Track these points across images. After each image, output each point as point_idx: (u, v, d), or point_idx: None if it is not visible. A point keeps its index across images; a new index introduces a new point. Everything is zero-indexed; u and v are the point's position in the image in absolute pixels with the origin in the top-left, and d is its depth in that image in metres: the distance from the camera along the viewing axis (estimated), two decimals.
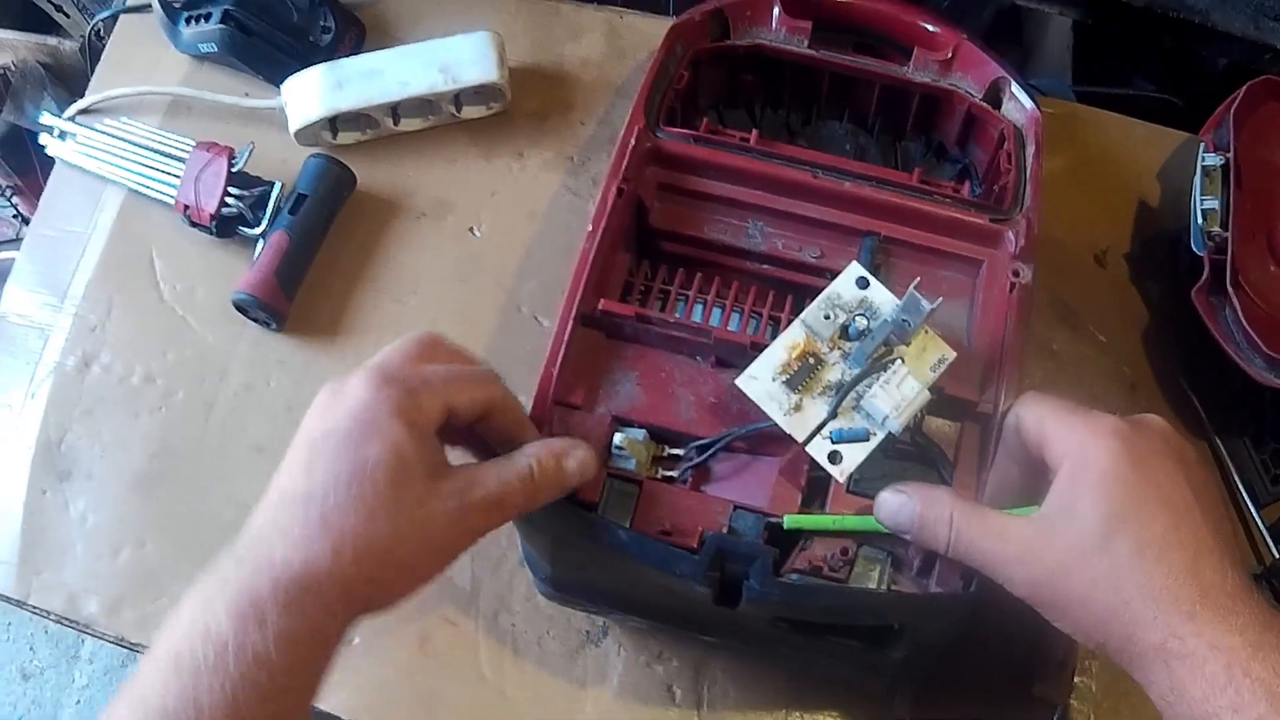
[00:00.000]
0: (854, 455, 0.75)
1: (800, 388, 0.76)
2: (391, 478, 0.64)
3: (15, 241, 1.63)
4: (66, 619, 0.99)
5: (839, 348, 0.77)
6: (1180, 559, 0.63)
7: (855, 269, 0.79)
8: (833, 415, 0.75)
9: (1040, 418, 0.70)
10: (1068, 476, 0.67)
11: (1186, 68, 1.37)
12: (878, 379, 0.75)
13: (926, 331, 0.76)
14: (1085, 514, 0.65)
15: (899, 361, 0.75)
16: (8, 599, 1.01)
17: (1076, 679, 0.92)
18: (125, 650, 1.00)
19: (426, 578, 0.68)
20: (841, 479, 0.75)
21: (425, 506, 0.66)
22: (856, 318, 0.77)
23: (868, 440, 0.75)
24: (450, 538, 0.68)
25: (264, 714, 0.59)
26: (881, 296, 0.78)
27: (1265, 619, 0.62)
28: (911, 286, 0.74)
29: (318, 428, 0.66)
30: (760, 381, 0.76)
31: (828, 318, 0.77)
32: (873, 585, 0.77)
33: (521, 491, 0.70)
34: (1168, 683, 0.62)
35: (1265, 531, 0.97)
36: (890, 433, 0.75)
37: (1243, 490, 0.98)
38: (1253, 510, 0.98)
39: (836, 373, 0.77)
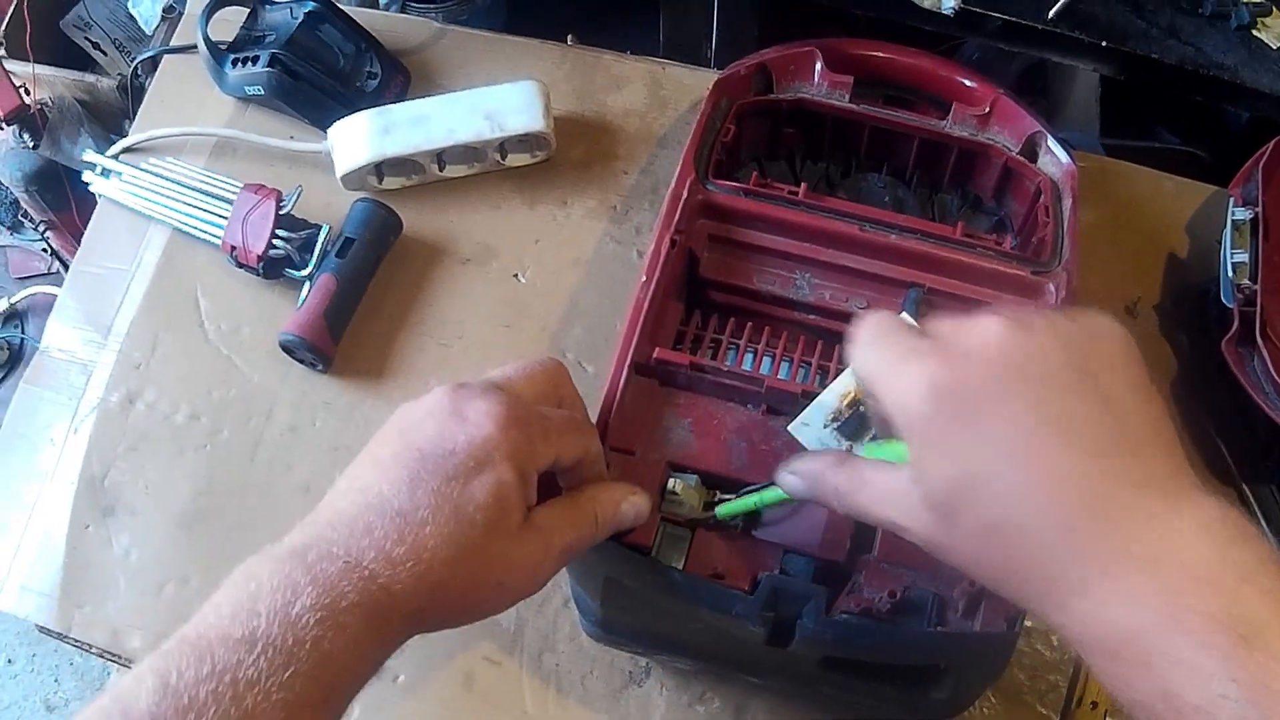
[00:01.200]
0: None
1: (852, 435, 0.77)
2: (490, 523, 0.65)
3: (47, 276, 1.66)
4: (109, 653, 1.00)
5: None
6: (1033, 516, 0.54)
7: (903, 319, 0.80)
8: None
9: (864, 372, 0.64)
10: (906, 442, 0.60)
11: (1209, 121, 1.39)
12: None
13: None
14: (925, 481, 0.59)
15: None
16: (49, 632, 1.01)
17: None
18: None
19: (488, 614, 0.70)
20: None
21: (509, 556, 0.66)
22: None
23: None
24: (522, 585, 0.69)
25: (320, 709, 0.59)
26: None
27: (1190, 554, 0.52)
28: None
29: (433, 444, 0.65)
30: (812, 428, 0.77)
31: None
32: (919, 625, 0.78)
33: (587, 539, 0.72)
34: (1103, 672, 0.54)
35: None
36: None
37: (1270, 536, 1.00)
38: None
39: None
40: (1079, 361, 0.57)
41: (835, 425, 0.77)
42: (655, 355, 0.84)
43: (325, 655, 0.59)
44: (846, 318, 0.89)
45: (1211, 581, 0.50)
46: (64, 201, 1.53)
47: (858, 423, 0.77)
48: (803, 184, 0.92)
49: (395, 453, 0.66)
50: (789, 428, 0.78)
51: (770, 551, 0.81)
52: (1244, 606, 0.49)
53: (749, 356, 0.88)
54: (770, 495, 0.76)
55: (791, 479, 0.71)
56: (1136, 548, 0.52)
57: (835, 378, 0.79)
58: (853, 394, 0.78)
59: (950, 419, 0.57)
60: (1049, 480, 0.54)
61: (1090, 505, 0.54)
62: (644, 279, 0.86)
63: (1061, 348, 0.58)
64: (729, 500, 0.79)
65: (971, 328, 0.59)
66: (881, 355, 0.62)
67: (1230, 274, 0.98)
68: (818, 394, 0.79)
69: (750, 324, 0.90)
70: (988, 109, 0.99)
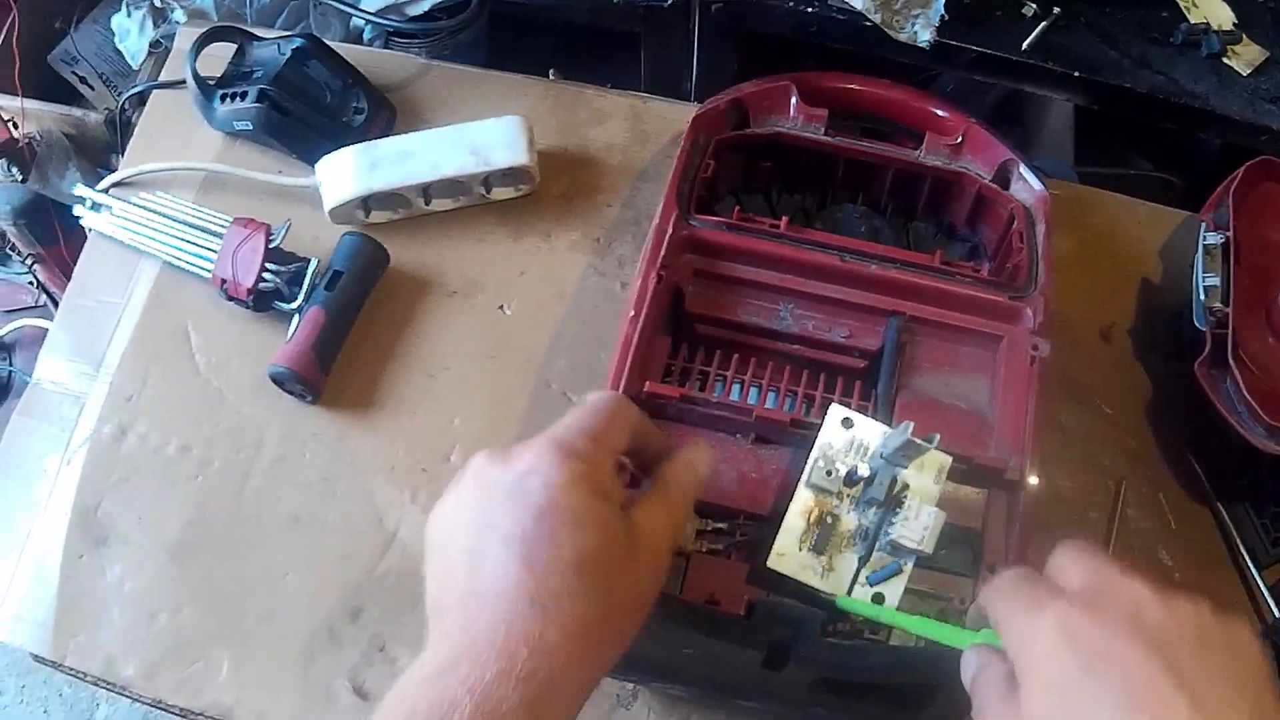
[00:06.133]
0: (894, 589, 0.77)
1: (826, 548, 0.79)
2: (611, 559, 0.65)
3: (35, 309, 1.66)
4: (104, 681, 1.00)
5: (848, 497, 0.80)
6: None
7: (836, 411, 0.81)
8: (864, 564, 0.78)
9: (991, 608, 0.64)
10: (1021, 680, 0.60)
11: (1182, 147, 1.41)
12: (895, 516, 0.78)
13: (929, 450, 0.78)
14: (1034, 696, 0.58)
15: (908, 492, 0.79)
16: (44, 660, 1.02)
17: None
18: (147, 710, 1.01)
19: (638, 632, 0.68)
20: None
21: (637, 577, 0.67)
22: (857, 465, 0.79)
23: (902, 571, 0.78)
24: (656, 591, 0.69)
25: None
26: (868, 430, 0.81)
27: None
28: (906, 432, 0.76)
29: (520, 520, 0.64)
30: (789, 556, 0.78)
31: (829, 474, 0.79)
32: (911, 644, 0.80)
33: (685, 515, 0.75)
34: None
35: (1266, 592, 1.00)
36: (918, 555, 0.77)
37: (1245, 553, 1.02)
38: (1254, 572, 1.01)
39: (853, 520, 0.79)
40: (1215, 639, 0.57)
41: (809, 546, 0.79)
42: (646, 389, 0.85)
43: None
44: (829, 347, 0.92)
45: None
46: (52, 235, 1.53)
47: (827, 535, 0.79)
48: (783, 218, 0.93)
49: (491, 547, 0.64)
50: (767, 563, 0.79)
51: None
52: None
53: (736, 387, 0.90)
54: (898, 619, 0.76)
55: (971, 658, 0.67)
56: None
57: (819, 410, 0.81)
58: (815, 509, 0.80)
59: (1076, 665, 0.56)
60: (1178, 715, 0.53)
61: None
62: (631, 314, 0.88)
63: (1200, 622, 0.57)
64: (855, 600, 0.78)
65: (1106, 584, 0.60)
66: (1009, 591, 0.63)
67: (1202, 297, 1.00)
68: (805, 421, 0.82)
69: (736, 355, 0.92)
70: (960, 139, 1.01)
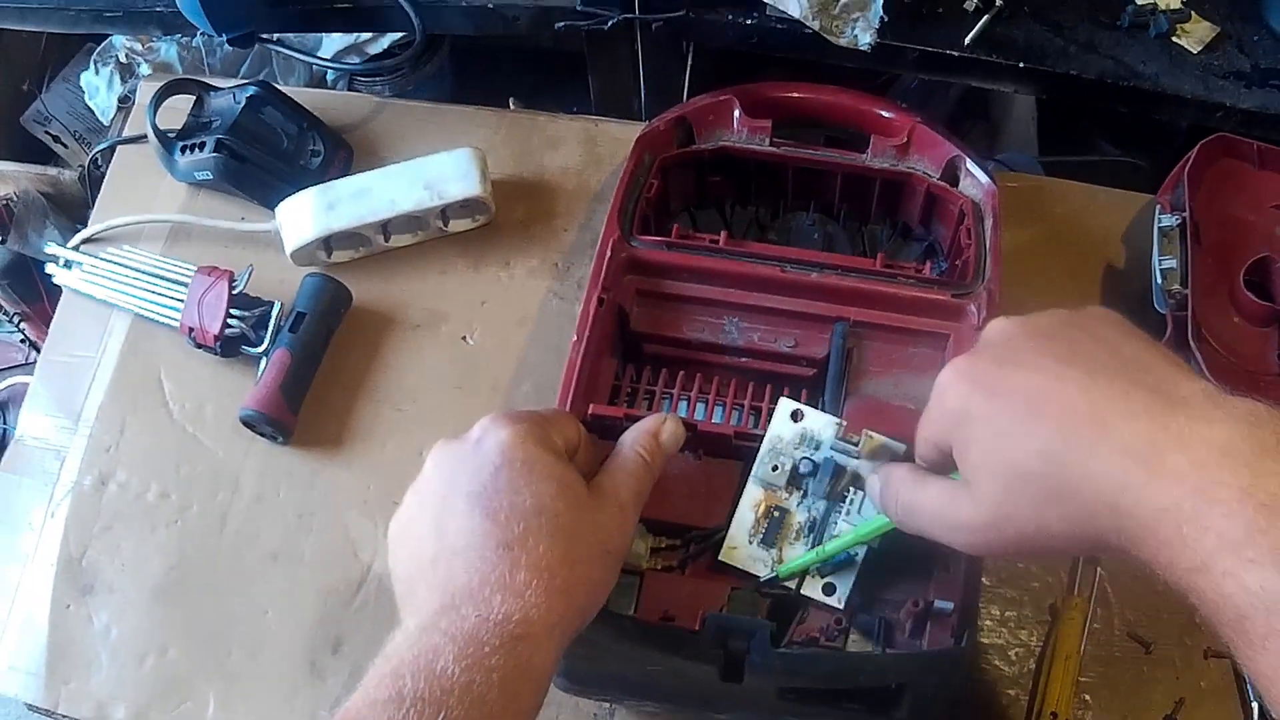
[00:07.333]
0: (845, 580, 0.80)
1: (776, 540, 0.81)
2: (568, 504, 0.70)
3: (25, 366, 1.68)
4: None
5: (797, 490, 0.83)
6: (1054, 428, 0.59)
7: (785, 405, 0.84)
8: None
9: (928, 443, 0.69)
10: (953, 441, 0.65)
11: (1149, 130, 1.41)
12: (840, 511, 0.81)
13: (871, 437, 0.81)
14: (971, 462, 0.63)
15: (856, 485, 0.81)
16: (37, 709, 1.04)
17: None
18: None
19: (611, 587, 0.74)
20: (842, 605, 0.80)
21: (597, 522, 0.72)
22: (801, 460, 0.82)
23: (854, 562, 0.80)
24: (622, 542, 0.74)
25: None
26: (818, 422, 0.83)
27: (1203, 435, 0.55)
28: (837, 432, 0.81)
29: (477, 479, 0.70)
30: (740, 549, 0.82)
31: (776, 468, 0.82)
32: (868, 649, 0.81)
33: (647, 476, 0.77)
34: (1153, 564, 0.56)
35: None
36: (869, 548, 0.80)
37: None
38: None
39: (803, 513, 0.82)
40: (1075, 321, 0.65)
41: (759, 538, 0.82)
42: (590, 411, 0.86)
43: (477, 699, 0.62)
44: (776, 357, 0.93)
45: (1236, 457, 0.53)
46: (35, 293, 1.55)
47: (776, 528, 0.80)
48: (723, 232, 0.94)
49: (455, 506, 0.70)
50: (720, 557, 0.82)
51: (718, 590, 0.83)
52: (1266, 479, 0.51)
53: (683, 404, 0.91)
54: (831, 548, 0.79)
55: (873, 481, 0.76)
56: (1162, 435, 0.55)
57: (766, 421, 0.83)
58: (764, 502, 0.81)
59: (975, 397, 0.63)
60: (1074, 401, 0.59)
61: (1115, 407, 0.57)
62: (575, 339, 0.89)
63: (1057, 319, 0.66)
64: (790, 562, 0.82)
65: (981, 337, 0.68)
66: (925, 420, 0.69)
67: (1160, 280, 1.00)
68: (750, 434, 0.83)
69: (682, 373, 0.93)
70: (906, 138, 1.01)
